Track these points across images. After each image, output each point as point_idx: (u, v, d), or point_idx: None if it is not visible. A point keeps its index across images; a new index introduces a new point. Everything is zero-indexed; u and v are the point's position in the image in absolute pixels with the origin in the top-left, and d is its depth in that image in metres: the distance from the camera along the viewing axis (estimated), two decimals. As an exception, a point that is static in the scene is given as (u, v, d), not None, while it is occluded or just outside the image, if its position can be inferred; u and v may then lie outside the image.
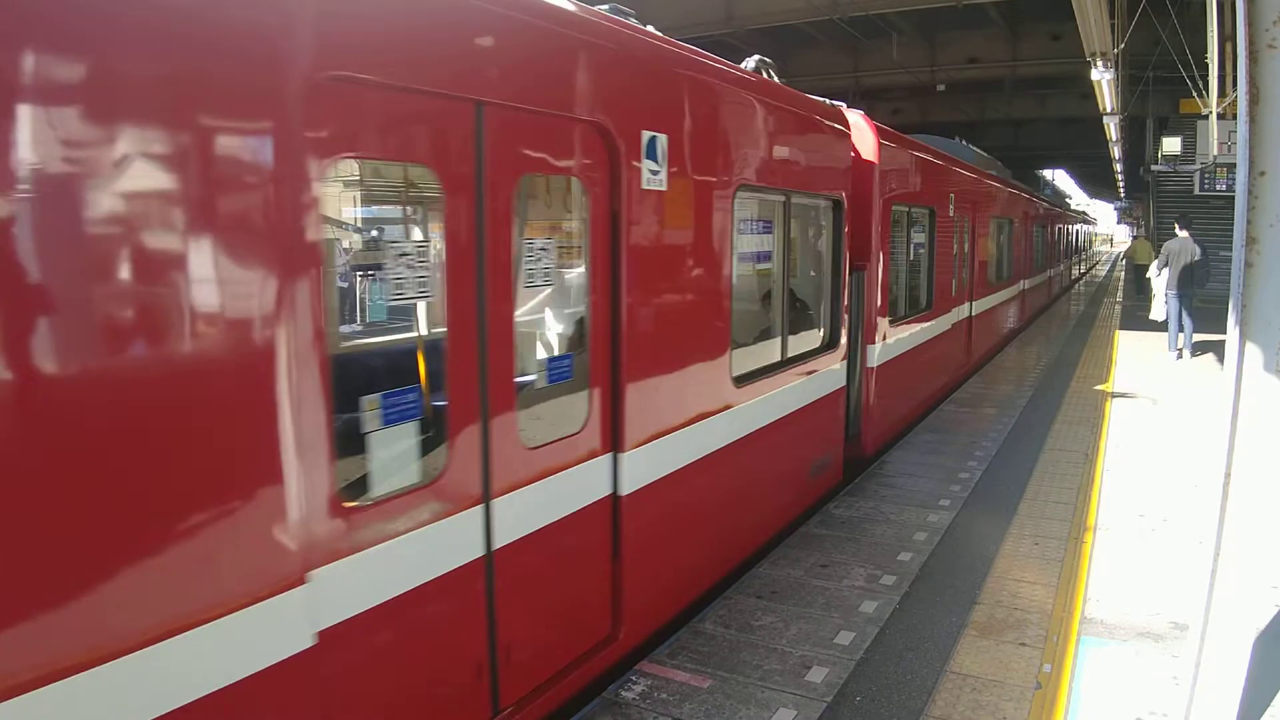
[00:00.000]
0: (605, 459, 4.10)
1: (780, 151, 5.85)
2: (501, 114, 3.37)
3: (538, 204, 4.36)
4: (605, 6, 4.38)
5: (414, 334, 4.37)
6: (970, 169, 12.76)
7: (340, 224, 4.20)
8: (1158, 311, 14.42)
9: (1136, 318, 18.91)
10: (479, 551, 3.39)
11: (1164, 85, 20.93)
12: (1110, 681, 4.19)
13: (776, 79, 6.36)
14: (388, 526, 3.00)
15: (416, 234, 4.49)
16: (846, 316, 7.32)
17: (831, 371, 7.04)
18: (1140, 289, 26.58)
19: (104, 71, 2.16)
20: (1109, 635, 4.67)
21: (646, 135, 4.22)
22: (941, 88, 23.50)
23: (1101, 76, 14.23)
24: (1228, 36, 14.28)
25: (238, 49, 2.46)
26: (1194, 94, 18.05)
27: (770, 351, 6.05)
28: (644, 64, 4.42)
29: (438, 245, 3.25)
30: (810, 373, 6.57)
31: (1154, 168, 23.95)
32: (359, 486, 3.04)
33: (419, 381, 3.94)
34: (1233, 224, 3.15)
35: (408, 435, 3.20)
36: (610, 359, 4.09)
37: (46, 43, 2.06)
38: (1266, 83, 2.93)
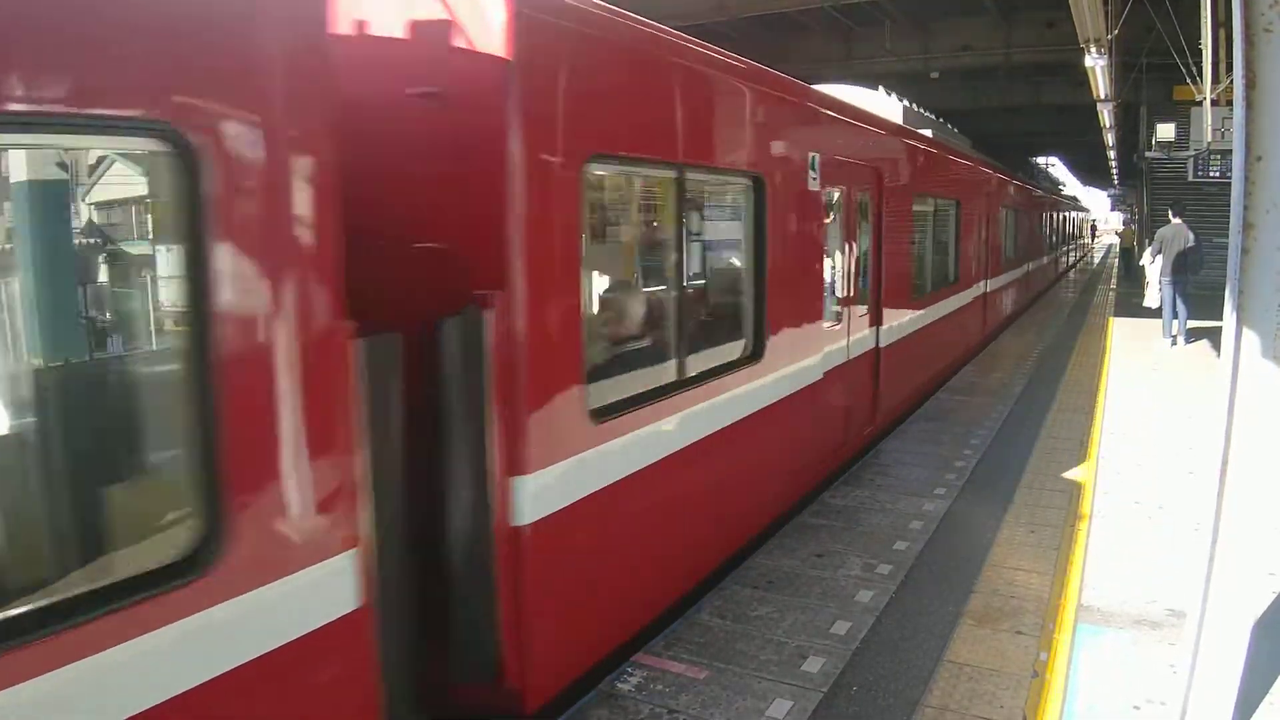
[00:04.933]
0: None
1: None
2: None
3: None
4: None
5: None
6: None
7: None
8: (1152, 299, 14.42)
9: (1131, 305, 18.93)
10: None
11: (1157, 72, 20.85)
12: (1107, 669, 4.18)
13: None
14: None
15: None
16: None
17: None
18: (1129, 272, 27.22)
19: None
20: (1106, 623, 4.66)
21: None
22: (935, 75, 23.42)
23: (1095, 63, 14.20)
24: (1221, 22, 14.24)
25: None
26: (1188, 80, 18.02)
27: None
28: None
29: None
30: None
31: (1147, 155, 23.94)
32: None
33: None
34: (1226, 210, 3.13)
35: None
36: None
37: None
38: (1263, 67, 2.91)
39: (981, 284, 14.02)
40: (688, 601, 4.93)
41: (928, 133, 10.99)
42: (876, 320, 8.26)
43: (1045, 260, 25.03)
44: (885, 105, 10.40)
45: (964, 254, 12.56)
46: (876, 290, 8.25)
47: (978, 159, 13.80)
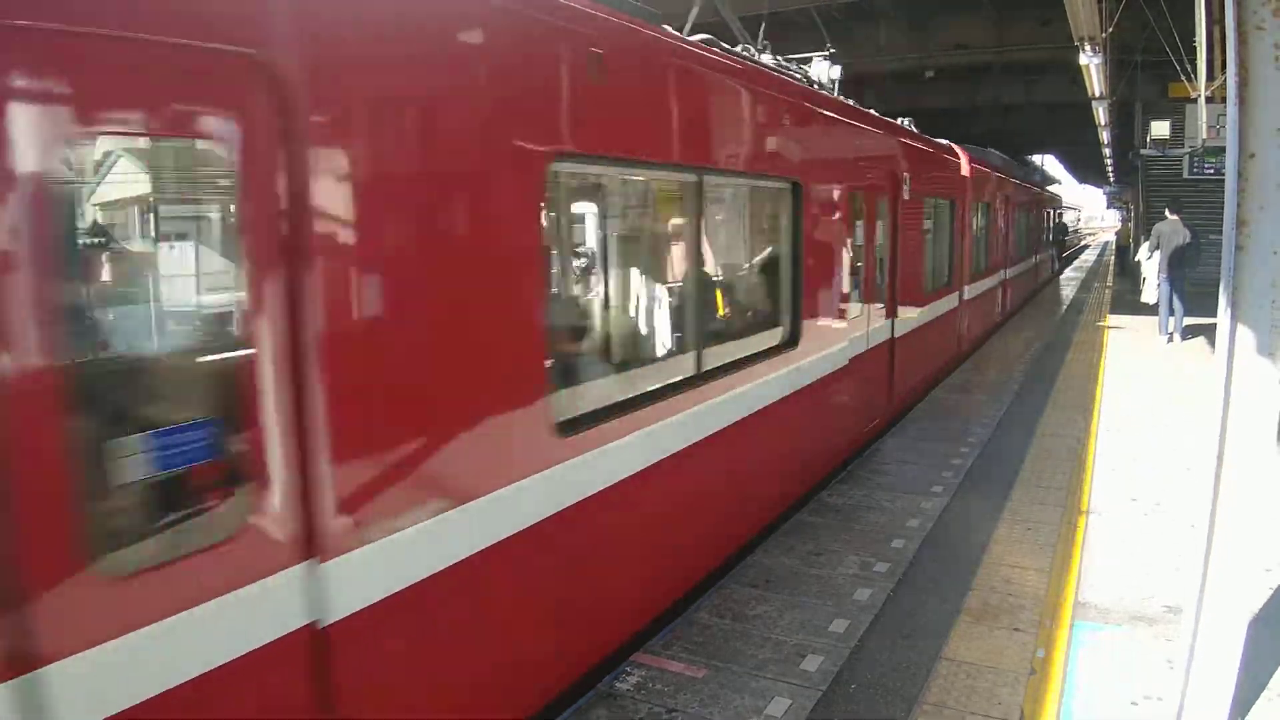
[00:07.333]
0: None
1: None
2: None
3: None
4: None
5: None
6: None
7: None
8: (1149, 295, 14.46)
9: (1127, 302, 18.97)
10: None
11: (1152, 69, 20.91)
12: (1104, 666, 4.19)
13: None
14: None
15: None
16: None
17: None
18: (1124, 267, 27.35)
19: None
20: (1103, 620, 4.68)
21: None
22: (930, 74, 23.47)
23: (1090, 61, 14.23)
24: (1215, 19, 14.27)
25: None
26: (1182, 78, 18.06)
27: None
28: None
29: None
30: None
31: (1143, 152, 23.99)
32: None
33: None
34: (1221, 206, 3.14)
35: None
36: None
37: None
38: (1255, 64, 2.92)
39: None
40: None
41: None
42: (1005, 265, 16.50)
43: None
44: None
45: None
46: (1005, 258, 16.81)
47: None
